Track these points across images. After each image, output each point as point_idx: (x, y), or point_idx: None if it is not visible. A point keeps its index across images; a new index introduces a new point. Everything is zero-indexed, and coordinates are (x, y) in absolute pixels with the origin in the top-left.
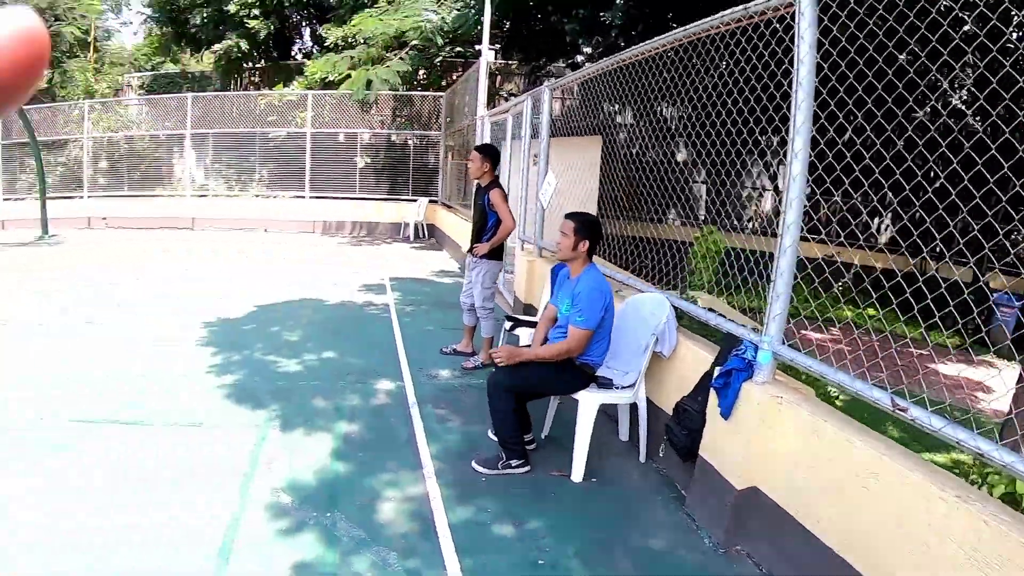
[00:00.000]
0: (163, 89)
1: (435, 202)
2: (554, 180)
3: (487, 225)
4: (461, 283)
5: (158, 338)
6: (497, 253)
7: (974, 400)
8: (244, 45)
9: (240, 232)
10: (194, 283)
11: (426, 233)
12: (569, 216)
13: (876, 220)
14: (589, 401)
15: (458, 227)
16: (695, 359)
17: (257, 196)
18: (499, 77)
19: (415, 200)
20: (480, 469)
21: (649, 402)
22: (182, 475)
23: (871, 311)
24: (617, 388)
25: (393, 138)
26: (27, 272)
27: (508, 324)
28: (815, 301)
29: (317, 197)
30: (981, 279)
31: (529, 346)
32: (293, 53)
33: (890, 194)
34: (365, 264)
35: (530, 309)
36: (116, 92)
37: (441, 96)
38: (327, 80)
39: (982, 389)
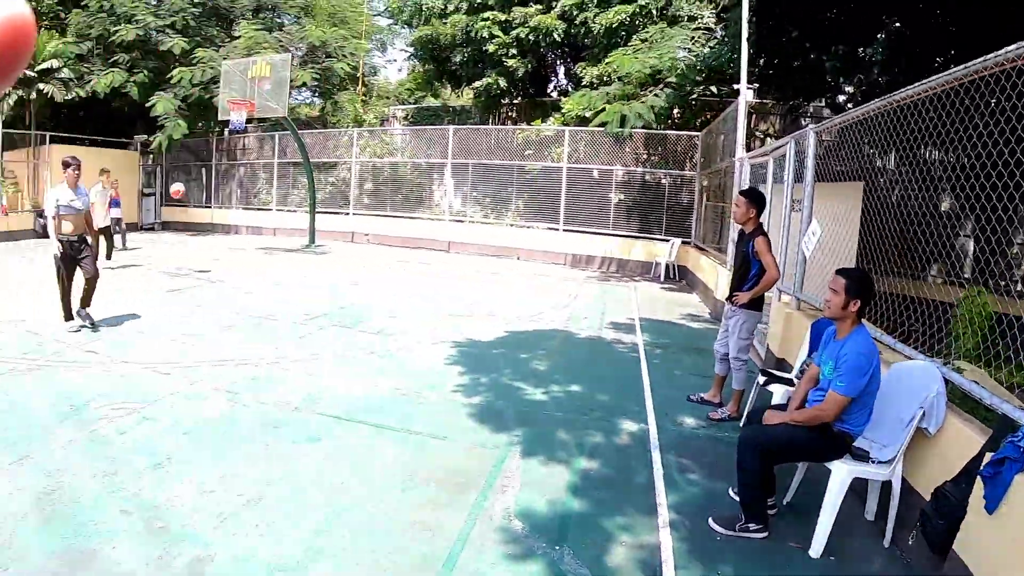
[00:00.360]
0: (425, 121)
1: (687, 243)
2: (819, 229)
3: (749, 273)
4: (712, 329)
5: (406, 348)
6: (757, 303)
7: None
8: (503, 82)
9: (493, 259)
10: (447, 301)
11: (676, 274)
12: (840, 272)
13: None
14: (842, 472)
15: (710, 271)
16: (962, 440)
17: (511, 225)
18: (754, 116)
19: (667, 240)
20: (717, 528)
21: (904, 481)
22: (417, 482)
23: None
24: (874, 462)
25: (647, 176)
26: (295, 273)
27: (762, 379)
28: None
29: (570, 230)
30: None
31: (785, 406)
32: (548, 90)
33: None
34: (615, 300)
35: (783, 364)
36: (382, 122)
37: (696, 135)
38: (582, 117)
39: None
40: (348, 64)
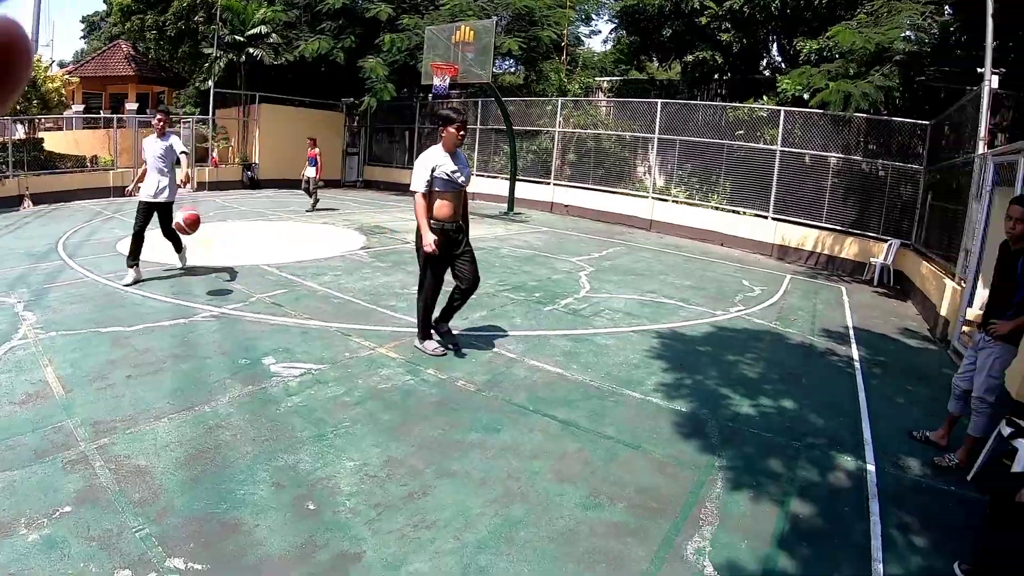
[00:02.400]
0: (630, 94)
1: (907, 245)
2: None
3: (1014, 299)
4: (933, 350)
5: (603, 334)
6: (1016, 336)
7: None
8: (718, 57)
9: (697, 243)
10: (647, 283)
11: (891, 279)
12: None
13: None
14: None
15: (934, 281)
16: None
17: (717, 208)
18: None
19: (885, 240)
20: None
21: None
22: (602, 500)
23: None
24: None
25: (866, 166)
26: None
27: (1007, 430)
28: None
29: (779, 218)
30: None
31: None
32: (760, 68)
33: None
34: (826, 302)
35: (1022, 409)
36: (586, 93)
37: (923, 124)
38: (798, 97)
39: None
40: (553, 32)
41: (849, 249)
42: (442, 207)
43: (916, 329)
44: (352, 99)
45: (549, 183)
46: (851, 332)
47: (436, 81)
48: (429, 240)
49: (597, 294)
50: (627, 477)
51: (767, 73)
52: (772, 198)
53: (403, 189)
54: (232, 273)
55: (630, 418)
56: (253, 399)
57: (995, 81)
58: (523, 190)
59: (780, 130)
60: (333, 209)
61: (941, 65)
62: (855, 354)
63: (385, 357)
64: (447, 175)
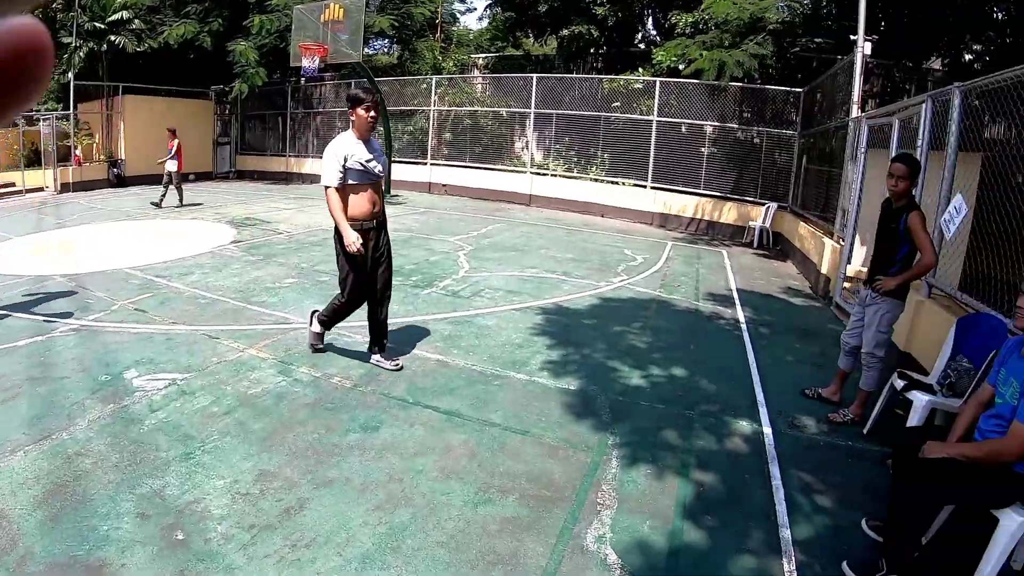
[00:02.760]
0: (506, 70)
1: (784, 208)
2: (964, 206)
3: (897, 255)
4: (816, 306)
5: (485, 314)
6: (902, 291)
7: None
8: (593, 31)
9: (576, 214)
10: (531, 258)
11: (771, 240)
12: None
13: None
14: (1013, 524)
15: (813, 241)
16: None
17: (596, 180)
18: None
19: (763, 203)
20: None
21: None
22: (493, 494)
23: None
24: None
25: (742, 133)
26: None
27: (899, 383)
28: None
29: (658, 187)
30: None
31: (935, 428)
32: (636, 41)
33: None
34: (708, 267)
35: (908, 360)
36: (461, 70)
37: (797, 92)
38: (673, 68)
39: None
40: (427, 10)
41: (728, 214)
42: (360, 203)
43: (798, 287)
44: (222, 86)
45: (426, 163)
46: (735, 294)
47: (305, 63)
48: (352, 239)
49: (477, 273)
50: (517, 466)
51: (643, 47)
52: (650, 168)
53: (277, 178)
54: (92, 279)
55: (517, 402)
56: (115, 419)
57: (868, 48)
58: (400, 172)
59: (656, 101)
60: (197, 204)
61: (813, 35)
62: (741, 316)
63: (256, 359)
64: (362, 165)
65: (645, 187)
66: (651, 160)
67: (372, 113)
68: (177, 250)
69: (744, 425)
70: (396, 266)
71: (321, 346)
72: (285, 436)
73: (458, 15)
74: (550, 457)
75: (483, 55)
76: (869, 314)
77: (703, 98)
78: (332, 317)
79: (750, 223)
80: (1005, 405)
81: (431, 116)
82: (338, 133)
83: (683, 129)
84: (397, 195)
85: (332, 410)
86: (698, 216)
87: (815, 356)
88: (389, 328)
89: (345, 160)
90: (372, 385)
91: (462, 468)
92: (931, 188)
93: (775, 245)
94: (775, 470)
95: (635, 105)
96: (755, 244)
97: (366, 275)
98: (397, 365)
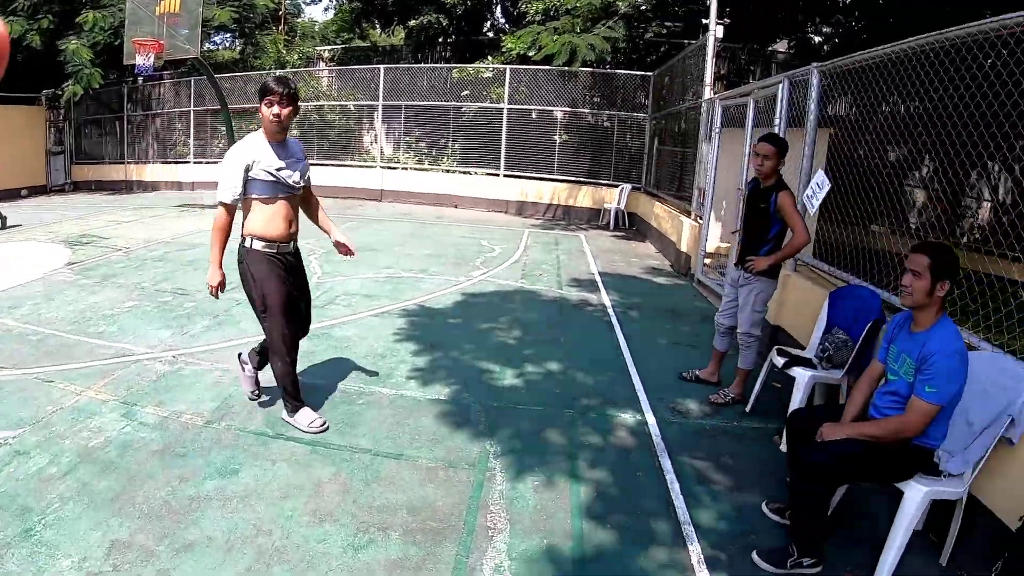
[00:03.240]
0: (353, 62)
1: (638, 189)
2: (827, 181)
3: (768, 234)
4: (679, 284)
5: (343, 323)
6: (775, 270)
7: None
8: (442, 20)
9: (430, 207)
10: (386, 257)
11: (626, 222)
12: (921, 249)
13: None
14: (919, 495)
15: (670, 220)
16: None
17: (448, 171)
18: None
19: (616, 185)
20: (764, 566)
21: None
22: (372, 534)
23: None
24: (944, 475)
25: (594, 119)
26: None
27: (779, 360)
28: None
29: (512, 175)
30: None
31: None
32: (484, 30)
33: None
34: (568, 252)
35: (779, 334)
36: (307, 63)
37: (648, 75)
38: (524, 56)
39: None
40: (270, 1)
41: (584, 198)
42: (272, 220)
43: (659, 267)
44: (53, 90)
45: None
46: (598, 279)
47: (139, 60)
48: (214, 281)
49: (331, 278)
50: (396, 497)
51: (492, 35)
52: (503, 156)
53: (117, 187)
54: None
55: (386, 421)
56: None
57: (720, 31)
58: None
59: (506, 88)
60: (16, 226)
61: (663, 19)
62: (607, 301)
63: (95, 402)
64: (270, 174)
65: (498, 176)
66: (503, 148)
67: (276, 109)
68: (4, 280)
69: (627, 417)
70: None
71: (320, 422)
72: (135, 494)
73: (303, 5)
74: (429, 481)
75: (329, 47)
76: (743, 295)
77: (554, 84)
78: (291, 382)
79: (605, 205)
80: (900, 381)
81: None
82: (178, 133)
83: (534, 116)
84: None
85: (184, 456)
86: (554, 202)
87: (687, 336)
88: (245, 342)
89: (248, 168)
90: (226, 420)
91: (336, 507)
92: (791, 165)
93: (631, 226)
94: (666, 462)
95: (485, 93)
96: (611, 226)
97: (292, 314)
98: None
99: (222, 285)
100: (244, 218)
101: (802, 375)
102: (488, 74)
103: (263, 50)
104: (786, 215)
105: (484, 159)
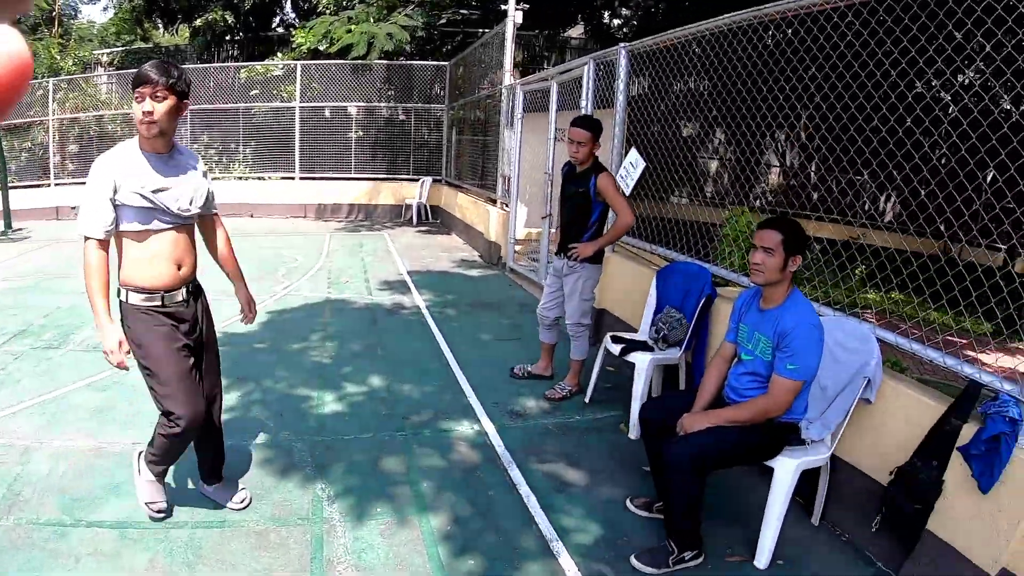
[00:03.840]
0: (134, 65)
1: (439, 181)
2: (640, 160)
3: (589, 220)
4: (491, 275)
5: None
6: (598, 255)
7: None
8: (228, 17)
9: (224, 218)
10: None
11: (430, 215)
12: (771, 225)
13: (889, 201)
14: (790, 468)
15: (476, 210)
16: (911, 408)
17: (242, 179)
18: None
19: (417, 179)
20: (647, 569)
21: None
22: None
23: (896, 295)
24: (809, 444)
25: (391, 112)
26: None
27: (615, 347)
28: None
29: (308, 177)
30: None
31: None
32: (275, 25)
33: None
34: (374, 254)
35: (605, 318)
36: (84, 69)
37: (444, 65)
38: (316, 51)
39: None
40: (44, 2)
41: (385, 195)
42: (151, 262)
43: (469, 258)
44: None
45: (50, 184)
46: (409, 279)
47: None
48: (111, 345)
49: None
50: None
51: (282, 30)
52: (298, 158)
53: None
54: None
55: (192, 475)
56: None
57: (519, 17)
58: (19, 199)
59: (298, 85)
60: None
61: (459, 7)
62: (421, 302)
63: None
64: (146, 197)
65: (294, 179)
66: (297, 149)
67: (147, 106)
68: None
69: (465, 429)
70: (21, 325)
71: (164, 505)
72: None
73: (80, 5)
74: (262, 548)
75: (108, 51)
76: (569, 284)
77: (348, 79)
78: (168, 451)
79: (407, 201)
80: (757, 361)
81: (50, 127)
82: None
83: (328, 113)
84: (20, 229)
85: None
86: (355, 202)
87: (508, 329)
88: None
89: (115, 190)
90: (13, 513)
91: None
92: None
93: (435, 219)
94: (516, 474)
95: (276, 92)
96: (415, 222)
97: (187, 369)
98: (244, 501)
99: (123, 345)
100: (119, 260)
101: (642, 360)
102: (278, 71)
103: (35, 57)
104: (608, 197)
105: (279, 163)
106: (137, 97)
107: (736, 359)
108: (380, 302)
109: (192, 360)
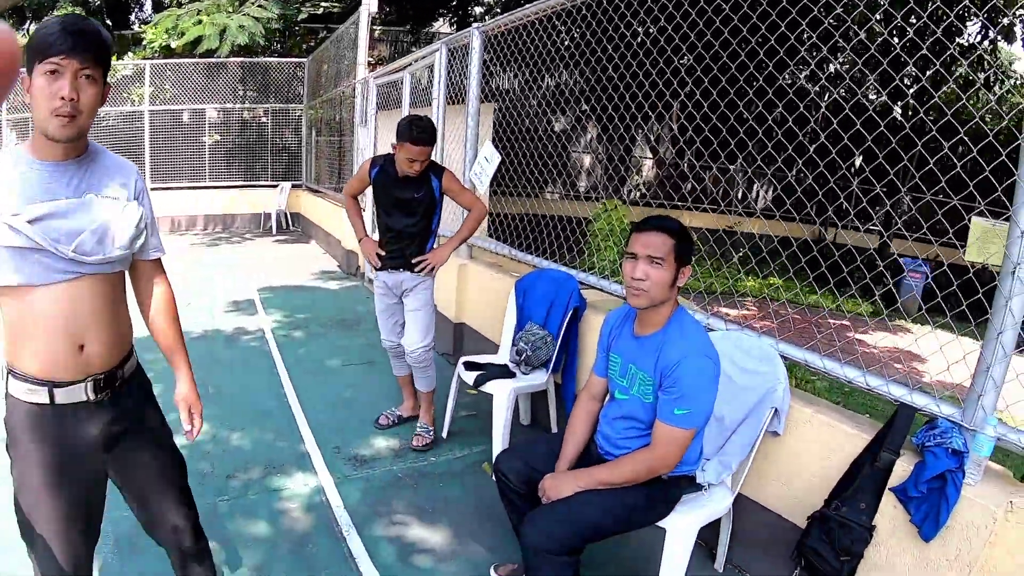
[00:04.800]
0: None
1: (299, 187)
2: (496, 155)
3: (433, 224)
4: (350, 286)
5: None
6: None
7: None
8: (82, 15)
9: None
10: None
11: (290, 223)
12: (658, 226)
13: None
14: (687, 527)
15: (330, 216)
16: (830, 439)
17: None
18: None
19: (276, 186)
20: None
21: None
22: None
23: (774, 280)
24: (706, 488)
25: (249, 114)
26: None
27: (470, 376)
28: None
29: (161, 188)
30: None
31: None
32: (130, 23)
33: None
34: (228, 269)
35: (465, 334)
36: None
37: (303, 61)
38: (169, 48)
39: (918, 360)
40: None
41: (244, 204)
42: (30, 335)
43: (328, 269)
44: None
45: None
46: (258, 297)
47: None
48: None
49: None
50: None
51: (139, 28)
52: (148, 166)
53: None
54: None
55: None
56: None
57: (374, 5)
58: None
59: (147, 87)
60: None
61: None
62: (267, 324)
63: None
64: (17, 229)
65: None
66: (147, 157)
67: (65, 88)
68: None
69: (298, 486)
70: None
71: None
72: None
73: None
74: None
75: None
76: (413, 303)
77: (203, 79)
78: None
79: (266, 210)
80: (633, 401)
81: None
82: None
83: (183, 117)
84: None
85: None
86: (211, 213)
87: (361, 350)
88: None
89: None
90: None
91: None
92: (456, 140)
93: (296, 227)
94: (356, 544)
95: (126, 95)
96: (274, 231)
97: (72, 513)
98: None
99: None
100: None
101: (501, 391)
102: (127, 72)
103: None
104: (456, 193)
105: None
106: (47, 71)
107: (609, 397)
108: (221, 328)
109: (89, 495)
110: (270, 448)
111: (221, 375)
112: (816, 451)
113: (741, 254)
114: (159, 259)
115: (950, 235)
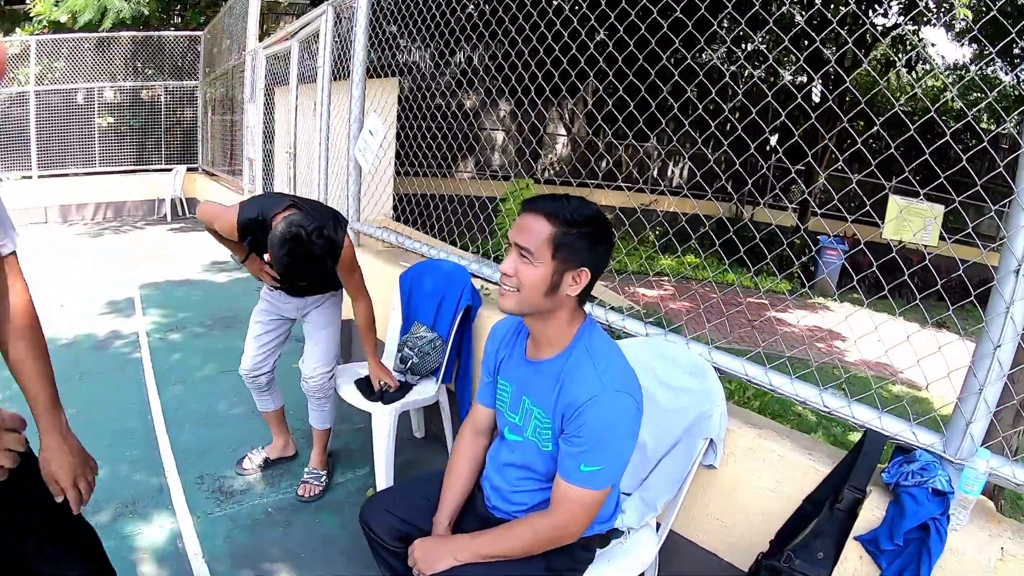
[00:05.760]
0: None
1: (195, 170)
2: (382, 127)
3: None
4: (243, 278)
5: None
6: None
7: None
8: None
9: None
10: None
11: (186, 209)
12: (540, 208)
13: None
14: None
15: (228, 199)
16: (779, 470)
17: None
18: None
19: (171, 169)
20: None
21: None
22: None
23: (691, 259)
24: (627, 533)
25: (144, 93)
26: None
27: (351, 394)
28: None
29: (49, 175)
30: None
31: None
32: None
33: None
34: (112, 262)
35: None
36: None
37: (198, 35)
38: (60, 23)
39: (839, 338)
40: None
41: (137, 189)
42: None
43: (221, 259)
44: None
45: None
46: (139, 294)
47: None
48: None
49: None
50: None
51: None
52: (35, 152)
53: None
54: None
55: None
56: None
57: None
58: None
59: (32, 65)
60: None
61: None
62: (143, 325)
63: None
64: None
65: (32, 178)
66: (34, 141)
67: None
68: None
69: (153, 529)
70: None
71: None
72: None
73: None
74: None
75: None
76: (320, 319)
77: (95, 55)
78: None
79: (160, 196)
80: (528, 446)
81: None
82: None
83: (72, 97)
84: None
85: None
86: (101, 200)
87: (242, 351)
88: None
89: None
90: None
91: None
92: (341, 114)
93: (192, 213)
94: None
95: (12, 76)
96: (169, 218)
97: None
98: None
99: None
100: None
101: (380, 412)
102: (13, 49)
103: None
104: (344, 278)
105: (14, 158)
106: None
107: (498, 435)
108: (93, 332)
109: None
110: (125, 482)
111: (84, 391)
112: (760, 484)
113: (657, 232)
114: (13, 256)
115: (867, 209)
